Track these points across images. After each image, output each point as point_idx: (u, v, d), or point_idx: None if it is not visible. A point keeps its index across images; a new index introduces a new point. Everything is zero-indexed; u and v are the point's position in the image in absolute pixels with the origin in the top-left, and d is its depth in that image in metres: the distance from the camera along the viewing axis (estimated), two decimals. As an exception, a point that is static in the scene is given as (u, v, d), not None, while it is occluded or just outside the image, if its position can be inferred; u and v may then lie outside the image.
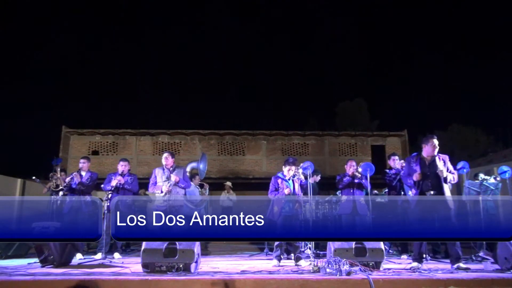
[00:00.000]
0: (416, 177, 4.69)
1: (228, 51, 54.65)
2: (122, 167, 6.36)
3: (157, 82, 49.04)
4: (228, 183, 12.49)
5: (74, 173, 6.44)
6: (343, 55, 51.27)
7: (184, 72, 50.39)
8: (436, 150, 4.71)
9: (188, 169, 7.31)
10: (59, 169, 7.29)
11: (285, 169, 5.36)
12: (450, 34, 49.03)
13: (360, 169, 6.22)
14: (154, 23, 54.19)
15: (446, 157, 4.81)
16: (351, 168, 6.20)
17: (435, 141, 4.70)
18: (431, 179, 4.63)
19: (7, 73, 41.03)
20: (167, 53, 53.33)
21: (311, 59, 51.56)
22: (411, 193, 5.51)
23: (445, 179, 4.61)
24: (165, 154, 5.89)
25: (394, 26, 52.30)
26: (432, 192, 4.58)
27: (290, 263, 5.10)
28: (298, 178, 5.42)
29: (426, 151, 4.76)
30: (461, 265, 4.35)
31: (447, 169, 4.71)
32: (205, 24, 55.80)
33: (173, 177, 5.59)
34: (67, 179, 6.34)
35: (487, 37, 47.36)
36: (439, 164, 4.65)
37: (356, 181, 6.11)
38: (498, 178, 6.28)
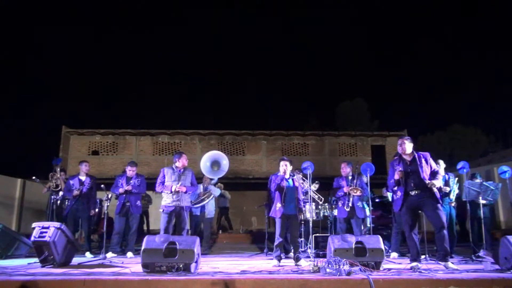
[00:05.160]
0: (397, 175, 4.69)
1: (228, 51, 54.68)
2: (130, 172, 6.44)
3: (157, 82, 49.07)
4: (220, 185, 12.54)
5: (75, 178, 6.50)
6: (343, 54, 51.32)
7: (184, 72, 50.41)
8: (405, 149, 4.80)
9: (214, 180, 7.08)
10: (59, 169, 7.30)
11: (280, 168, 5.33)
12: (450, 34, 49.04)
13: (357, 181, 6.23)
14: (154, 23, 54.19)
15: (427, 154, 4.82)
16: (344, 168, 6.33)
17: (403, 141, 4.89)
18: (413, 179, 4.63)
19: (7, 73, 41.03)
20: (167, 52, 53.35)
21: (311, 59, 51.58)
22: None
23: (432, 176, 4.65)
24: (184, 155, 5.73)
25: (395, 26, 52.31)
26: (415, 192, 4.59)
27: (290, 263, 5.10)
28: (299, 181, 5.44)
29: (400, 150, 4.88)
30: (450, 264, 4.37)
31: (430, 167, 4.72)
32: (204, 23, 55.79)
33: (182, 187, 5.50)
34: (75, 192, 6.34)
35: (487, 37, 47.35)
36: (424, 164, 4.68)
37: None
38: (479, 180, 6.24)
